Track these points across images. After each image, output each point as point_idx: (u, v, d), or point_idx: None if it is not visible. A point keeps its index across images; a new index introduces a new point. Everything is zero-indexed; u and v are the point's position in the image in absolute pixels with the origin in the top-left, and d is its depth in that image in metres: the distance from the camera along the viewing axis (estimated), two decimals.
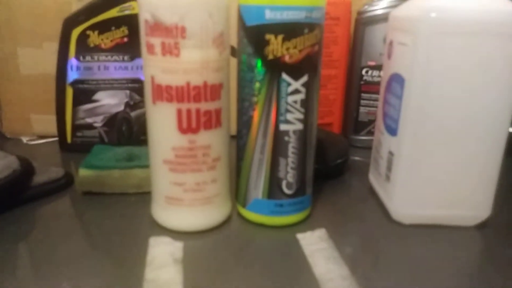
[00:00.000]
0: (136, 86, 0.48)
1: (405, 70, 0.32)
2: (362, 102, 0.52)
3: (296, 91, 0.31)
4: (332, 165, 0.43)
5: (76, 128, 0.49)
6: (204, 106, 0.30)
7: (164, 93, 0.30)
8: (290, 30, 0.29)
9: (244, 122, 0.32)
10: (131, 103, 0.49)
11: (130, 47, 0.47)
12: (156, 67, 0.30)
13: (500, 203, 0.35)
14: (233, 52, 0.32)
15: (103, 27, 0.46)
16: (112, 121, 0.49)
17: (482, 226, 0.34)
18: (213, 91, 0.30)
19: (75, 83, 0.47)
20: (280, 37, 0.29)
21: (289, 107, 0.31)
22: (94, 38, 0.46)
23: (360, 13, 0.50)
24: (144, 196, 0.37)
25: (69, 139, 0.49)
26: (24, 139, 0.53)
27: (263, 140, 0.32)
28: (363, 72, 0.51)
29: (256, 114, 0.31)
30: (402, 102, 0.33)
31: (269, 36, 0.29)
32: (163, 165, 0.32)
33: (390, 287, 0.28)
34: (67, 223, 0.34)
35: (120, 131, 0.49)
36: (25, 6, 0.49)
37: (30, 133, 0.53)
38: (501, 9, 0.29)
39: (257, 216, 0.34)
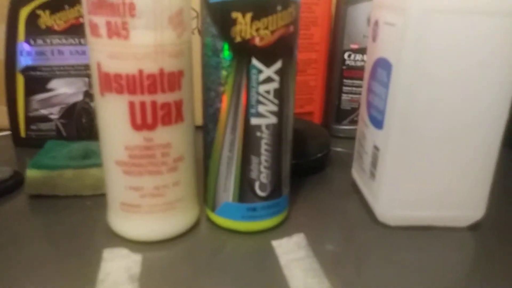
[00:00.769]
0: None
1: (392, 54, 0.29)
2: (345, 89, 0.49)
3: (268, 79, 0.27)
4: (312, 160, 0.40)
5: (30, 120, 0.45)
6: (161, 98, 0.26)
7: (113, 82, 0.25)
8: (260, 7, 0.25)
9: (210, 115, 0.28)
10: (91, 92, 0.44)
11: None
12: (101, 52, 0.25)
13: (494, 201, 0.32)
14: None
15: (55, 6, 0.42)
16: (70, 112, 0.45)
17: (475, 227, 0.32)
18: (172, 80, 0.26)
19: (26, 70, 0.43)
20: (248, 16, 0.25)
21: (261, 98, 0.27)
22: (46, 19, 0.42)
23: None
24: (102, 198, 0.33)
25: (22, 133, 0.45)
26: None
27: (232, 136, 0.28)
28: (345, 56, 0.48)
29: (223, 106, 0.27)
30: (388, 90, 0.29)
31: (236, 15, 0.25)
32: (116, 167, 0.27)
33: None
34: (10, 231, 0.30)
35: (79, 123, 0.45)
36: None
37: None
38: None
39: (228, 222, 0.30)
